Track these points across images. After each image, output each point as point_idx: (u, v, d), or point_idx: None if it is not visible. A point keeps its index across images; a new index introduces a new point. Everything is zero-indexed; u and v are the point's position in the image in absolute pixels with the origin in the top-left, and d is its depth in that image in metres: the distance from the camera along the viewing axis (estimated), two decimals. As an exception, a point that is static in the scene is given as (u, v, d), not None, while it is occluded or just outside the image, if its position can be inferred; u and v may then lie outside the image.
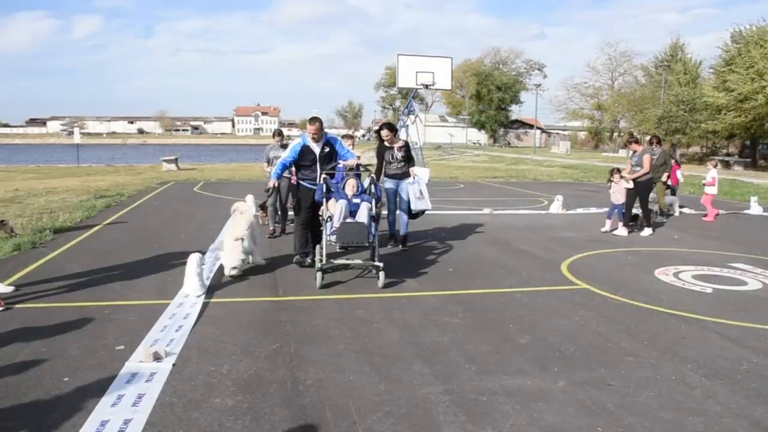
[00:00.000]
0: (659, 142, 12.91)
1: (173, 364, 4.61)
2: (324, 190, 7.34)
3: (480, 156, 51.38)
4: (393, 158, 9.30)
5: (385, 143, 9.45)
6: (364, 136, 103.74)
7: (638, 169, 11.16)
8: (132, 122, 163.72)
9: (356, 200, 7.31)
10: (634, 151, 11.44)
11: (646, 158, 11.12)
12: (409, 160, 9.38)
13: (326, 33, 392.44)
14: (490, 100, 79.75)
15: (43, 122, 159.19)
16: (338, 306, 6.25)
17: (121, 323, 5.61)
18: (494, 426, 3.73)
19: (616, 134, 68.46)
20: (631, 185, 11.23)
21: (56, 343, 5.04)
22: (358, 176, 7.68)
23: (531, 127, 78.63)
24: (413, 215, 9.32)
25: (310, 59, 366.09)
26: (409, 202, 9.16)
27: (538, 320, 5.87)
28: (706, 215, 13.74)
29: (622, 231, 11.24)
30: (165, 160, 29.35)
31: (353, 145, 9.52)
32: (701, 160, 44.55)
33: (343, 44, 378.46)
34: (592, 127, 71.60)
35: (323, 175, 7.52)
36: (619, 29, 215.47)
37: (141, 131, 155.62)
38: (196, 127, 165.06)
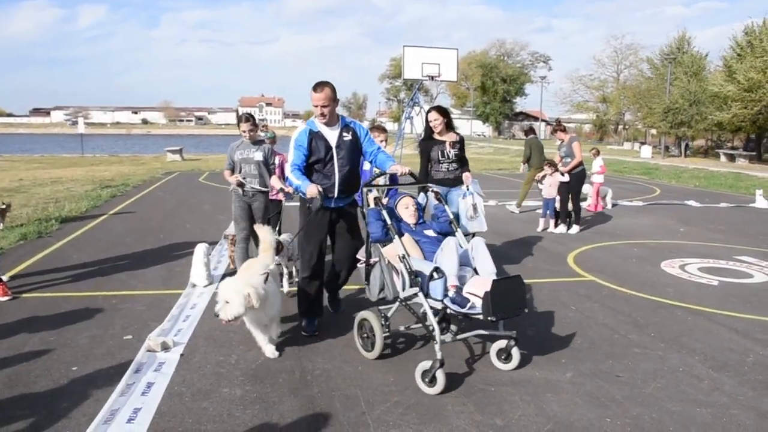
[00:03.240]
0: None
1: (181, 354, 4.63)
2: (381, 217, 4.54)
3: (485, 148, 51.34)
4: (444, 156, 6.74)
5: (434, 135, 6.86)
6: None
7: (569, 160, 10.29)
8: (136, 112, 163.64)
9: (428, 233, 4.81)
10: (561, 141, 10.52)
11: (576, 146, 10.25)
12: (462, 161, 6.88)
13: (332, 24, 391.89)
14: (495, 92, 79.57)
15: (47, 112, 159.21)
16: (345, 296, 6.25)
17: (128, 313, 5.63)
18: (503, 416, 3.74)
19: (621, 127, 68.22)
20: (566, 178, 10.36)
21: (64, 332, 5.06)
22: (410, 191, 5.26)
23: (536, 119, 78.38)
24: None
25: (315, 50, 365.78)
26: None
27: (545, 312, 5.87)
28: (589, 205, 13.24)
29: (561, 228, 10.54)
30: (169, 151, 29.39)
31: (386, 141, 7.06)
32: (706, 153, 44.41)
33: (349, 35, 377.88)
34: (597, 119, 71.33)
35: (370, 191, 4.74)
36: (624, 22, 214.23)
37: (145, 121, 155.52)
38: (200, 118, 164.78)
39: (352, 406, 3.85)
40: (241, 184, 6.37)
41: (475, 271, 4.45)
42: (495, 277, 4.17)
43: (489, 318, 3.88)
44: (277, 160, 6.87)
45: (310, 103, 4.90)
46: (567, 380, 4.31)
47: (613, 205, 14.05)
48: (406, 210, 4.87)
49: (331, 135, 4.91)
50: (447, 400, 3.96)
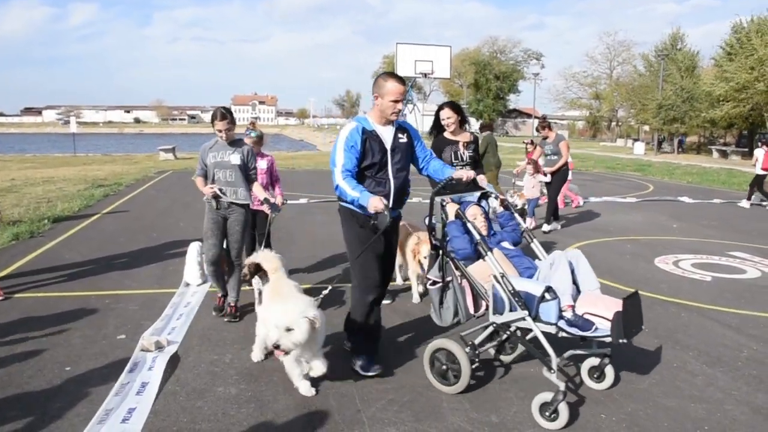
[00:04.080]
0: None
1: (176, 353, 4.61)
2: (467, 231, 4.04)
3: (478, 145, 51.23)
4: (457, 158, 6.11)
5: (446, 134, 6.25)
6: None
7: (555, 158, 9.87)
8: (128, 111, 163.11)
9: (506, 245, 4.36)
10: (545, 138, 10.00)
11: (564, 145, 9.85)
12: (477, 163, 6.27)
13: (324, 22, 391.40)
14: (488, 89, 79.60)
15: (38, 111, 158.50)
16: (340, 294, 6.24)
17: (121, 312, 5.61)
18: (498, 413, 3.74)
19: (614, 123, 68.39)
20: (548, 179, 10.05)
21: (57, 332, 5.03)
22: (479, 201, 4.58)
23: (529, 116, 78.53)
24: None
25: (308, 48, 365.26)
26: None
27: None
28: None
29: (553, 225, 10.32)
30: (162, 150, 29.25)
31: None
32: (698, 149, 44.57)
33: (341, 34, 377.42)
34: (590, 116, 71.48)
35: (442, 199, 4.20)
36: (617, 19, 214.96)
37: (137, 120, 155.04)
38: (193, 117, 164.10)
39: (347, 404, 3.84)
40: (217, 196, 5.26)
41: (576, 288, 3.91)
42: (599, 292, 3.85)
43: (621, 341, 3.47)
44: (263, 164, 6.40)
45: (378, 93, 4.08)
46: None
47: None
48: (474, 221, 4.20)
49: (387, 136, 4.17)
50: (442, 397, 3.96)
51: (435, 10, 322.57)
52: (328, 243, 8.95)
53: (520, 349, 4.36)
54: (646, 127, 50.43)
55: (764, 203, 14.43)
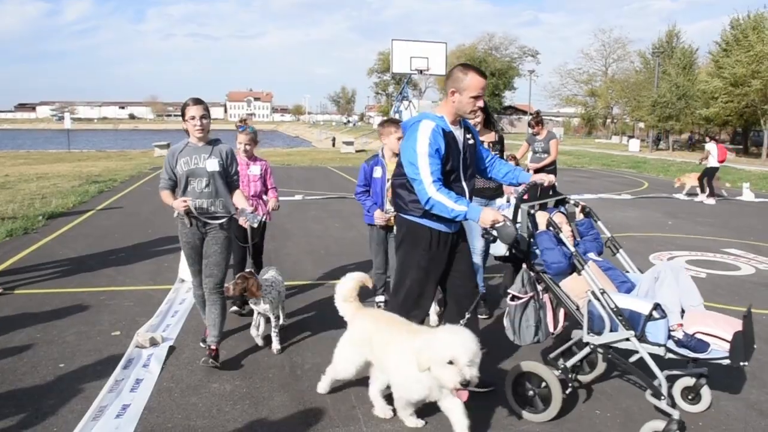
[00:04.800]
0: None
1: (170, 348, 4.60)
2: (560, 242, 3.59)
3: (473, 142, 51.26)
4: None
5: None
6: (348, 122, 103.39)
7: (544, 156, 9.08)
8: (123, 107, 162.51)
9: (592, 255, 3.96)
10: (536, 134, 9.22)
11: (554, 144, 9.13)
12: None
13: (319, 18, 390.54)
14: (484, 86, 79.48)
15: (32, 107, 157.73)
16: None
17: (116, 309, 5.59)
18: (494, 410, 3.74)
19: (609, 120, 68.50)
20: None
21: (51, 328, 5.01)
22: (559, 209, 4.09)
23: (524, 113, 78.53)
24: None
25: (303, 45, 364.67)
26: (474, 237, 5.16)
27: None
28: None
29: None
30: (157, 146, 29.17)
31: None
32: (692, 147, 44.69)
33: (337, 30, 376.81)
34: (586, 113, 71.58)
35: (533, 208, 3.65)
36: (612, 15, 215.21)
37: (132, 116, 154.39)
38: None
39: (343, 401, 3.83)
40: (189, 213, 4.20)
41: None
42: (703, 308, 3.54)
43: (741, 363, 3.12)
44: (256, 169, 5.43)
45: (455, 88, 3.57)
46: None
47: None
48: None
49: (459, 137, 3.69)
50: (437, 393, 3.96)
51: (430, 7, 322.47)
52: (324, 239, 8.96)
53: (600, 367, 4.02)
54: (641, 124, 50.54)
55: (700, 197, 14.68)
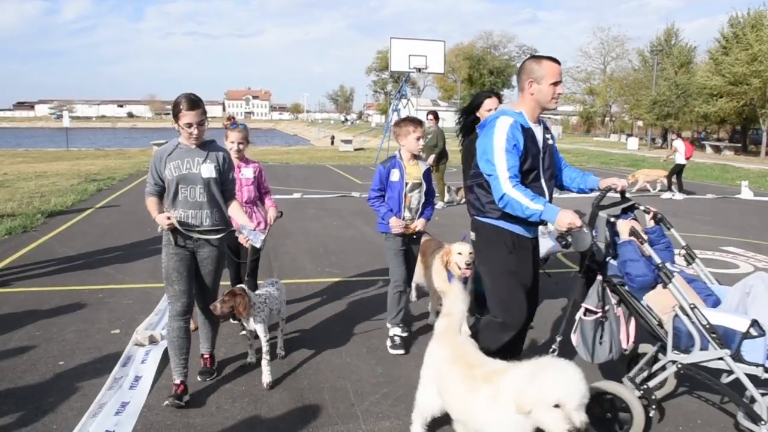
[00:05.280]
0: (436, 117, 11.38)
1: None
2: (645, 254, 3.32)
3: (472, 140, 51.25)
4: None
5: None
6: (346, 121, 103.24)
7: None
8: (121, 106, 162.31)
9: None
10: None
11: None
12: None
13: (318, 16, 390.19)
14: (482, 84, 79.47)
15: (31, 106, 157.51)
16: (334, 289, 6.24)
17: (115, 307, 5.59)
18: (491, 407, 3.74)
19: (607, 119, 68.51)
20: None
21: (50, 326, 5.01)
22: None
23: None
24: None
25: (302, 43, 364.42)
26: None
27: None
28: None
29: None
30: (156, 144, 29.10)
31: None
32: (692, 145, 44.76)
33: (335, 28, 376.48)
34: (584, 111, 71.58)
35: (618, 216, 3.42)
36: (610, 14, 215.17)
37: (131, 115, 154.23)
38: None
39: (341, 398, 3.84)
40: (175, 230, 3.70)
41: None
42: None
43: None
44: (249, 172, 4.84)
45: (532, 79, 3.36)
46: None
47: None
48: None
49: (539, 135, 3.47)
50: (436, 391, 3.96)
51: (429, 5, 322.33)
52: (322, 237, 8.96)
53: (669, 385, 3.74)
54: (640, 123, 50.57)
55: (670, 193, 14.79)
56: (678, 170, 14.91)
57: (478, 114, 4.92)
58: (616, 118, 65.29)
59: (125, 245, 8.21)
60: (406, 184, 4.60)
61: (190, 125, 3.62)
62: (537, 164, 3.42)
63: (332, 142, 46.13)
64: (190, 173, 3.70)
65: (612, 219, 3.33)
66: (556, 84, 3.35)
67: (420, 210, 4.70)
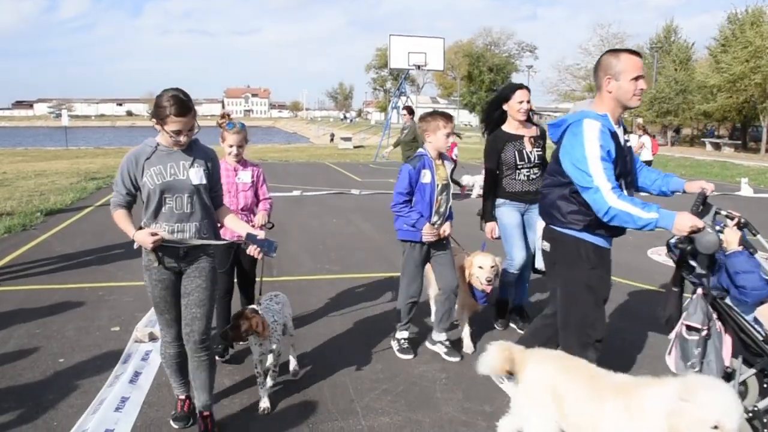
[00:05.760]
0: (412, 112, 11.37)
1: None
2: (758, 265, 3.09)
3: (472, 138, 51.34)
4: (523, 159, 4.76)
5: (506, 128, 4.86)
6: (345, 118, 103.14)
7: None
8: (121, 104, 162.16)
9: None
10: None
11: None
12: (544, 164, 4.81)
13: (317, 14, 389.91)
14: (482, 81, 79.50)
15: (29, 105, 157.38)
16: (333, 285, 6.25)
17: (115, 304, 5.59)
18: (491, 403, 3.76)
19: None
20: None
21: (50, 324, 5.02)
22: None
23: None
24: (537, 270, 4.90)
25: (301, 41, 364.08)
26: (518, 247, 4.87)
27: (536, 300, 5.89)
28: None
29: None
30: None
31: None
32: (692, 142, 44.72)
33: (334, 25, 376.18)
34: (584, 108, 71.49)
35: (715, 222, 3.17)
36: (610, 10, 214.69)
37: (130, 113, 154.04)
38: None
39: (341, 395, 3.85)
40: (161, 248, 3.15)
41: None
42: None
43: None
44: (246, 176, 4.31)
45: (610, 75, 3.10)
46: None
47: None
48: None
49: (621, 138, 3.22)
50: (436, 387, 3.98)
51: (428, 2, 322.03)
52: (321, 234, 8.98)
53: (752, 396, 3.37)
54: (640, 120, 50.59)
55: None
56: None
57: (506, 107, 4.79)
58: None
59: (125, 243, 8.19)
60: (438, 185, 4.24)
61: (178, 132, 3.06)
62: (624, 170, 3.18)
63: (332, 140, 46.17)
64: (176, 180, 3.12)
65: (717, 227, 3.05)
66: (637, 79, 3.08)
67: (447, 213, 4.40)
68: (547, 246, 3.38)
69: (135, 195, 3.21)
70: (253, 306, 3.58)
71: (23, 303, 5.55)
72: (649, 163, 14.96)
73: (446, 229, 4.37)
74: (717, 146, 37.36)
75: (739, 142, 38.78)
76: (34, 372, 4.10)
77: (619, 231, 3.21)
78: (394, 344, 4.56)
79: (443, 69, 36.57)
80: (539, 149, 4.84)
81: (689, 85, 37.96)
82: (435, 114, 4.29)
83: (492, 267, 4.33)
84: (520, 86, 4.81)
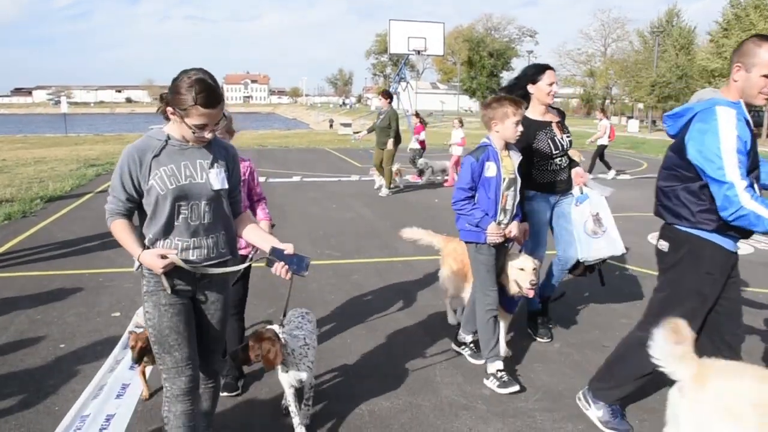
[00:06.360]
0: (389, 97, 11.25)
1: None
2: None
3: (472, 123, 51.18)
4: (557, 147, 4.33)
5: (531, 114, 4.32)
6: (344, 104, 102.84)
7: None
8: (120, 91, 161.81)
9: None
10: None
11: None
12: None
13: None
14: (482, 66, 79.12)
15: (28, 92, 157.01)
16: (333, 271, 6.25)
17: (115, 290, 5.60)
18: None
19: (608, 101, 68.30)
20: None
21: (51, 310, 5.03)
22: None
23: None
24: (574, 268, 4.61)
25: (301, 27, 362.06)
26: (566, 243, 4.52)
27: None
28: (447, 180, 13.20)
29: None
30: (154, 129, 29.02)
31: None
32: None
33: (334, 11, 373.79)
34: (585, 94, 71.33)
35: None
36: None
37: (129, 100, 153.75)
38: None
39: (341, 379, 3.86)
40: (169, 279, 2.56)
41: None
42: None
43: None
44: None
45: (742, 63, 2.88)
46: (555, 351, 4.35)
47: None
48: None
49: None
50: (436, 371, 3.99)
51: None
52: (321, 220, 8.97)
53: None
54: (641, 105, 50.42)
55: (612, 173, 14.90)
56: (601, 151, 14.92)
57: (532, 89, 4.30)
58: (616, 101, 65.09)
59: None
60: (504, 179, 3.74)
61: (203, 127, 2.45)
62: (755, 164, 2.91)
63: (331, 126, 46.03)
64: (193, 184, 2.50)
65: None
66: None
67: (514, 211, 3.87)
68: (665, 246, 3.10)
69: (138, 201, 2.54)
70: (274, 327, 3.03)
71: (24, 289, 5.56)
72: (604, 147, 14.92)
73: (512, 229, 3.81)
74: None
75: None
76: (35, 357, 4.11)
77: (748, 233, 2.93)
78: (491, 382, 3.77)
79: (443, 54, 36.42)
80: (568, 134, 4.47)
81: (689, 69, 37.80)
82: (503, 99, 3.74)
83: (534, 269, 3.93)
84: (548, 66, 4.37)
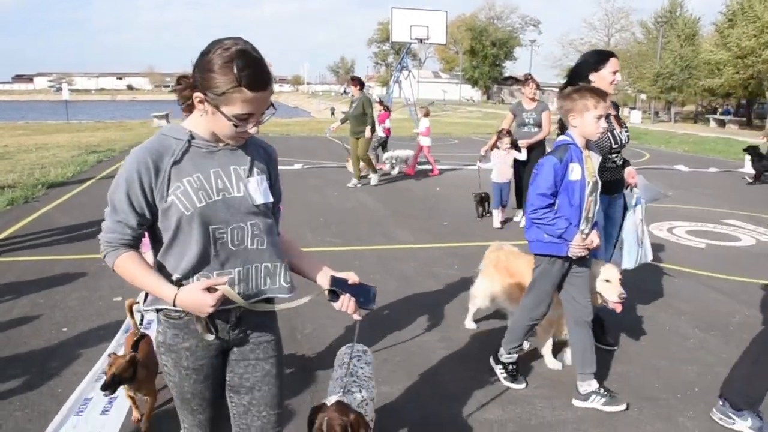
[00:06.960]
0: (360, 84, 11.16)
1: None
2: None
3: (474, 112, 51.08)
4: (617, 142, 3.99)
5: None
6: (345, 93, 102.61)
7: (535, 130, 8.02)
8: (121, 78, 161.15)
9: None
10: (518, 104, 8.19)
11: (546, 116, 8.01)
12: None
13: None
14: (485, 55, 78.87)
15: (29, 79, 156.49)
16: (334, 258, 6.26)
17: (117, 275, 5.60)
18: (491, 373, 3.78)
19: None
20: (524, 156, 7.91)
21: (53, 294, 5.05)
22: None
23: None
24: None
25: (302, 14, 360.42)
26: (615, 246, 4.23)
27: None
28: (406, 169, 13.16)
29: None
30: (156, 116, 28.98)
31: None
32: (695, 119, 44.47)
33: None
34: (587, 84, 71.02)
35: None
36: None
37: (130, 87, 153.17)
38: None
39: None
40: (209, 323, 1.84)
41: None
42: None
43: None
44: None
45: None
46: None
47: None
48: None
49: None
50: (434, 357, 4.01)
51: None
52: (322, 208, 8.98)
53: None
54: (643, 96, 50.25)
55: None
56: None
57: (593, 77, 3.90)
58: (619, 91, 64.82)
59: (127, 215, 8.22)
60: (588, 183, 3.25)
61: (246, 118, 1.81)
62: None
63: (332, 114, 45.91)
64: (229, 198, 1.84)
65: None
66: None
67: (594, 218, 3.39)
68: None
69: (150, 222, 1.84)
70: (341, 399, 2.35)
71: (26, 274, 5.58)
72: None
73: (594, 239, 3.34)
74: (721, 123, 37.13)
75: (744, 119, 38.59)
76: (38, 340, 4.14)
77: None
78: (499, 369, 3.71)
79: (446, 43, 36.21)
80: (626, 129, 4.13)
81: (693, 60, 37.62)
82: (583, 91, 3.27)
83: (620, 279, 3.60)
84: (612, 53, 4.01)
